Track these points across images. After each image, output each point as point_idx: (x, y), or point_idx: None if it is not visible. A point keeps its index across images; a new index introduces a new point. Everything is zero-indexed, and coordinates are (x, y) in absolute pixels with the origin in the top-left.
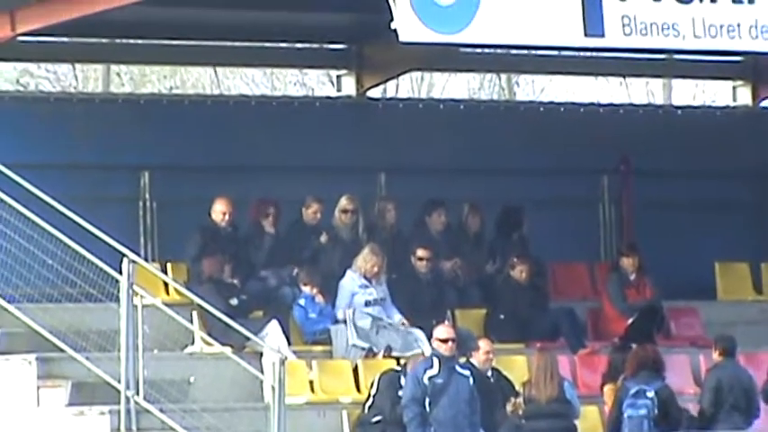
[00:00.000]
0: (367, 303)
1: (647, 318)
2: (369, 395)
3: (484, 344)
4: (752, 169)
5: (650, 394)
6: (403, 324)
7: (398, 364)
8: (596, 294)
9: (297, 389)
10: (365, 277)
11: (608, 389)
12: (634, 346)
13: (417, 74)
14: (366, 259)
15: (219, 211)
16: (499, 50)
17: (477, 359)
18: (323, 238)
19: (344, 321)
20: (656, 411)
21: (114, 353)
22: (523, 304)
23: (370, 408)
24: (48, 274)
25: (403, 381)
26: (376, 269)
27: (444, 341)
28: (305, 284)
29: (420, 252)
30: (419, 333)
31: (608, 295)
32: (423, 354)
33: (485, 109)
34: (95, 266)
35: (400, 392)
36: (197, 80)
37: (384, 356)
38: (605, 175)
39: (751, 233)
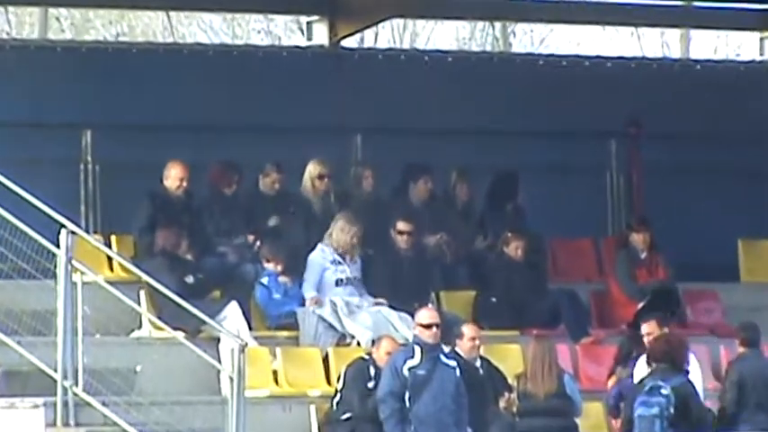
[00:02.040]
0: (338, 282)
1: (660, 302)
2: (336, 390)
3: (468, 329)
4: None
5: (665, 391)
6: (377, 305)
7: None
8: (602, 275)
9: (258, 380)
10: (338, 253)
11: (612, 382)
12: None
13: (399, 21)
14: (344, 230)
15: (176, 176)
16: None
17: (462, 347)
18: (272, 222)
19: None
20: (671, 410)
21: (50, 337)
22: (518, 286)
23: (338, 404)
24: None
25: (372, 371)
26: (355, 240)
27: (427, 327)
28: (268, 261)
29: (400, 225)
30: (393, 314)
31: (615, 276)
32: (391, 337)
33: (476, 62)
34: (29, 238)
35: (370, 384)
36: (147, 26)
37: (358, 344)
38: (613, 138)
39: None
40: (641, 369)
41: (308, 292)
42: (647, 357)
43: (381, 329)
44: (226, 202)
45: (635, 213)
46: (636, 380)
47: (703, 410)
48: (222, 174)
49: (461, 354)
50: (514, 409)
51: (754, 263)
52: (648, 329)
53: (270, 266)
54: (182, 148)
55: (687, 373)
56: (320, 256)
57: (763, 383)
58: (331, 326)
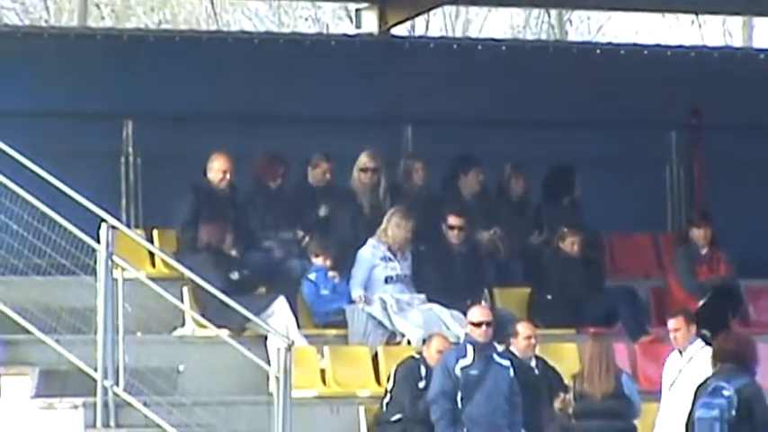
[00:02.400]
0: (387, 280)
1: (722, 299)
2: (385, 390)
3: (523, 327)
4: None
5: (727, 393)
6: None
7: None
8: (661, 271)
9: (306, 380)
10: (390, 249)
11: None
12: (705, 332)
13: (451, 8)
14: (399, 225)
15: (219, 169)
16: None
17: (517, 346)
18: (322, 212)
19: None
20: (733, 413)
21: (90, 335)
22: (575, 282)
23: (388, 405)
24: (12, 241)
25: (423, 370)
26: (410, 236)
27: (478, 325)
28: (316, 255)
29: (452, 219)
30: (445, 312)
31: (675, 272)
32: (442, 335)
33: (531, 50)
34: (68, 233)
35: (420, 384)
36: (190, 14)
37: (408, 342)
38: (673, 129)
39: None
40: (671, 366)
41: (356, 290)
42: (713, 356)
43: (433, 327)
44: (271, 195)
45: (696, 207)
46: (665, 377)
47: None
48: (268, 166)
49: (516, 353)
50: (570, 411)
51: None
52: (675, 325)
53: (318, 261)
54: (226, 139)
55: (755, 373)
56: (370, 252)
57: None
58: (381, 324)
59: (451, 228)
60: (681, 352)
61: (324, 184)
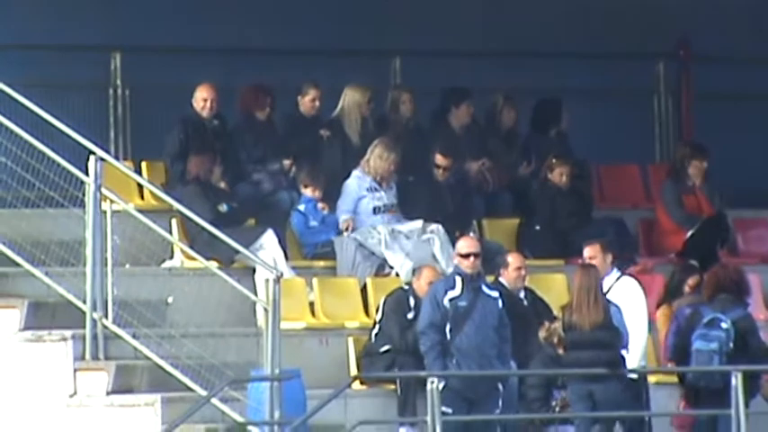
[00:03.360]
0: (375, 210)
1: (710, 230)
2: (374, 321)
3: (513, 259)
4: None
5: (725, 325)
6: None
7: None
8: (650, 202)
9: (294, 312)
10: (375, 179)
11: (660, 312)
12: (694, 262)
13: None
14: (382, 156)
15: (200, 98)
16: None
17: (507, 277)
18: (323, 132)
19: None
20: (730, 345)
21: (79, 267)
22: (563, 213)
23: (376, 336)
24: (0, 173)
25: (412, 301)
26: (393, 167)
27: (466, 256)
28: (306, 186)
29: (439, 159)
30: (436, 243)
31: (663, 203)
32: (432, 267)
33: None
34: (57, 165)
35: (409, 315)
36: None
37: (397, 274)
38: (661, 60)
39: None
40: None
41: (343, 216)
42: (707, 287)
43: (422, 261)
44: (259, 126)
45: (683, 138)
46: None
47: (762, 346)
48: (254, 97)
49: (506, 284)
50: (555, 340)
51: None
52: (591, 253)
53: (308, 193)
54: (215, 71)
55: (748, 305)
56: (356, 183)
57: None
58: (370, 255)
59: (437, 167)
60: None
61: (314, 112)
